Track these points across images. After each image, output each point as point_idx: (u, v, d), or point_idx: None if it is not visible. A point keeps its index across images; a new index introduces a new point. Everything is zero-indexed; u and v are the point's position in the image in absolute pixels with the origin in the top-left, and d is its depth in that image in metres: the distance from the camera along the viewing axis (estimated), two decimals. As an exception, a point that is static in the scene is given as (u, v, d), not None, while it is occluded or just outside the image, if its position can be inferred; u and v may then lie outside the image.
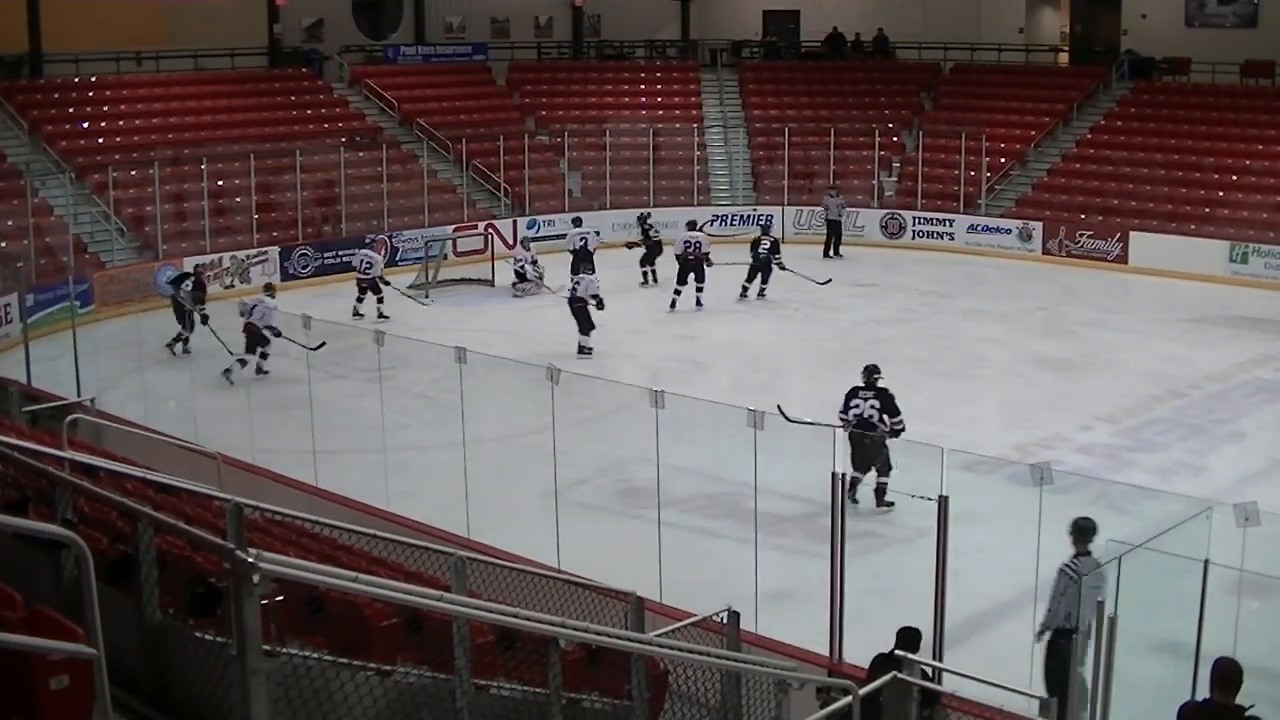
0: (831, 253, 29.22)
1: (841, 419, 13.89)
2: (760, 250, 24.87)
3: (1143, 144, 30.48)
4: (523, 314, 24.27)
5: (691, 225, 25.13)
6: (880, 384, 14.16)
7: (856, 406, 14.03)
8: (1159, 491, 13.61)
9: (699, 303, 23.86)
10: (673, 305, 23.96)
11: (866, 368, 14.41)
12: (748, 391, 16.93)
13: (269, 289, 20.62)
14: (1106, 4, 35.08)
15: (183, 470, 10.66)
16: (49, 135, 27.24)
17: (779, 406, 13.34)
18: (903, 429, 13.83)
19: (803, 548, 12.43)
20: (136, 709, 4.88)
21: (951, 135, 31.63)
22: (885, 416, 13.91)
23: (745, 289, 24.97)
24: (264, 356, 19.35)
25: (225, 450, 13.22)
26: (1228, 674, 6.75)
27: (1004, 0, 36.26)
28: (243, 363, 19.20)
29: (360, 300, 23.69)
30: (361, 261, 23.93)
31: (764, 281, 24.90)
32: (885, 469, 13.74)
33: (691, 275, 23.89)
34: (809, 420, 14.09)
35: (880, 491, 13.76)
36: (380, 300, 23.56)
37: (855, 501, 13.40)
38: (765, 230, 26.25)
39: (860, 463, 13.59)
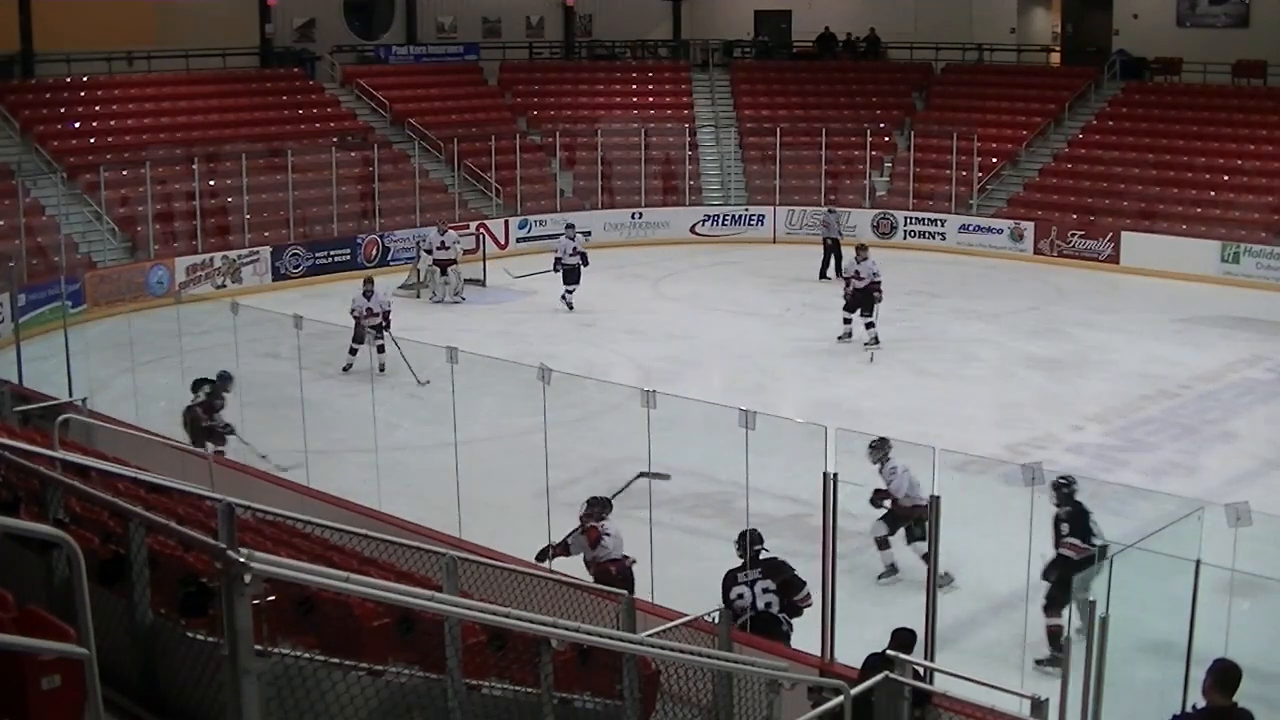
0: (831, 274, 26.06)
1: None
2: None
3: (1134, 144, 30.53)
4: (515, 314, 24.26)
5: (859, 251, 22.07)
6: (766, 555, 10.17)
7: (741, 596, 9.82)
8: (1150, 491, 13.65)
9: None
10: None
11: (741, 536, 10.27)
12: (739, 391, 16.94)
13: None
14: (1098, 4, 35.15)
15: (174, 470, 10.64)
16: (40, 135, 27.19)
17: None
18: (809, 604, 9.66)
19: (794, 548, 12.42)
20: (128, 709, 4.87)
21: (943, 135, 31.68)
22: (787, 597, 9.85)
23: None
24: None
25: (217, 450, 13.20)
26: (1225, 675, 6.72)
27: (995, 0, 36.30)
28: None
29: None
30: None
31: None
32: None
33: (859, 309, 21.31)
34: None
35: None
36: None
37: None
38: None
39: None
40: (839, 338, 21.50)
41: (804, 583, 9.71)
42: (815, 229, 28.68)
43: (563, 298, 24.12)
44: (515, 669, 5.94)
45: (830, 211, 28.18)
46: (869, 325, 21.07)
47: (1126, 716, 7.90)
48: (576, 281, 24.16)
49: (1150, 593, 8.46)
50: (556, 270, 24.31)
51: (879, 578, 12.62)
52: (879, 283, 21.08)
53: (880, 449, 12.62)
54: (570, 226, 25.78)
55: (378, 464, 14.00)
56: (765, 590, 9.79)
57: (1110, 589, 7.25)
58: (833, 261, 26.40)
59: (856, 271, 21.30)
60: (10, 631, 3.88)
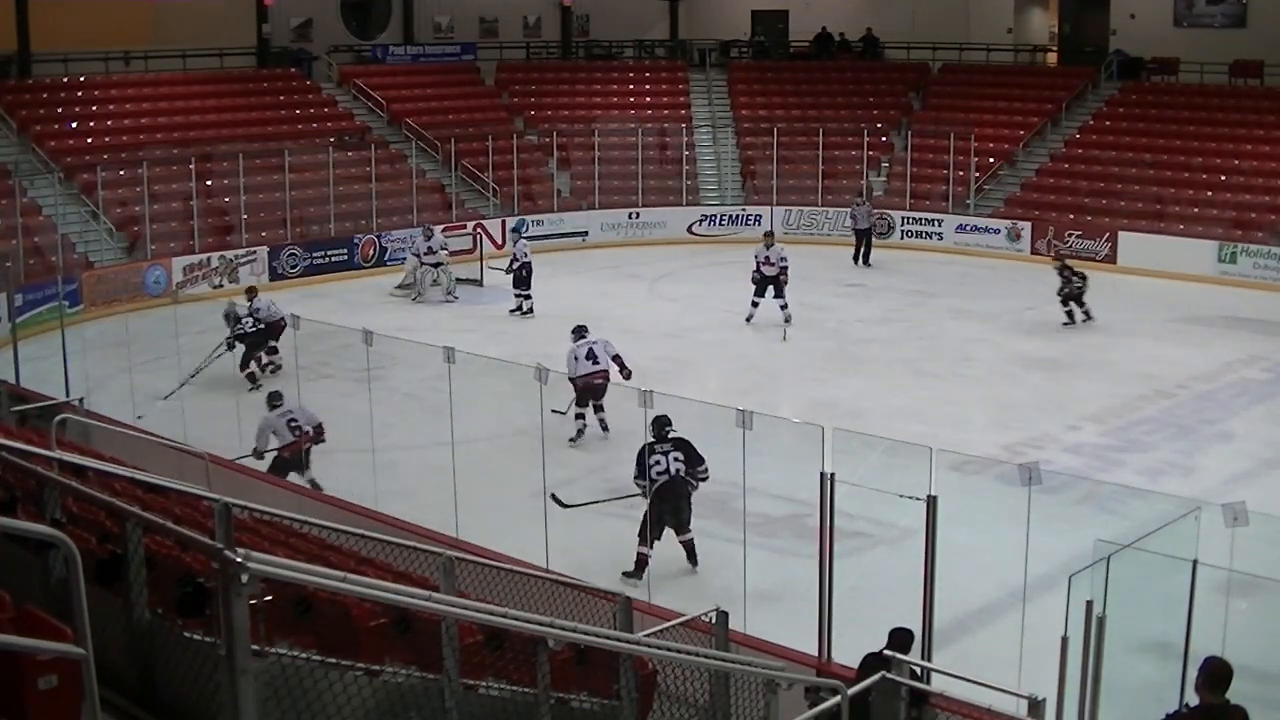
0: (861, 261, 28.49)
1: (639, 484, 12.54)
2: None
3: (1131, 144, 30.54)
4: (511, 314, 24.23)
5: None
6: (673, 435, 12.60)
7: (658, 464, 12.39)
8: (1147, 491, 13.65)
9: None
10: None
11: (656, 420, 12.52)
12: (736, 391, 16.95)
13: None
14: (1095, 4, 35.15)
15: (171, 470, 10.64)
16: (37, 135, 27.17)
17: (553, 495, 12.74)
18: (707, 477, 12.66)
19: (791, 548, 12.46)
20: (125, 709, 4.86)
21: (940, 135, 31.68)
22: (690, 468, 12.54)
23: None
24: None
25: (213, 450, 13.20)
26: (1216, 673, 6.75)
27: (992, 0, 36.31)
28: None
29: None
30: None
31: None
32: (687, 526, 12.62)
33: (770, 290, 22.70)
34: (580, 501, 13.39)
35: (690, 547, 12.70)
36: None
37: (638, 579, 12.13)
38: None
39: (668, 522, 12.53)
40: (746, 320, 22.92)
41: (703, 459, 12.47)
42: (855, 221, 29.12)
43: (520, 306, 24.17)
44: (512, 669, 5.94)
45: (859, 204, 28.99)
46: (783, 307, 22.55)
47: (1124, 716, 7.91)
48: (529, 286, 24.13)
49: (1147, 592, 8.47)
50: (509, 273, 24.32)
51: None
52: (786, 268, 22.58)
53: None
54: (515, 231, 26.34)
55: (374, 464, 14.00)
56: (676, 460, 12.39)
57: (1107, 589, 7.26)
58: (862, 250, 28.58)
59: (766, 258, 22.67)
60: (8, 631, 3.87)
